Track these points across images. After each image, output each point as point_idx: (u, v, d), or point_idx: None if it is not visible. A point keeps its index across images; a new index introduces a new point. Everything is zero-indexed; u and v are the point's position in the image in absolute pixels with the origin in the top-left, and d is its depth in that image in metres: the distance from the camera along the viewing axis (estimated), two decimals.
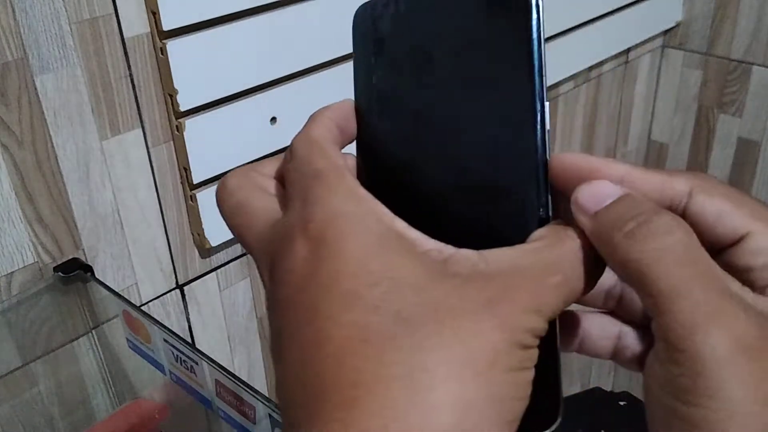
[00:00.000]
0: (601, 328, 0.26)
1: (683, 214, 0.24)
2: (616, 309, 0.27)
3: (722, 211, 0.23)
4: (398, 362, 0.20)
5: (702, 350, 0.20)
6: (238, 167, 0.28)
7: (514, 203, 0.25)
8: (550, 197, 0.25)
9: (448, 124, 0.27)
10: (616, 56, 1.19)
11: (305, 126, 0.27)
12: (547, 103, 0.25)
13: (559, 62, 1.04)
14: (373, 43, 0.29)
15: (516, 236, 0.24)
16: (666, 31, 1.27)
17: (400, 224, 0.23)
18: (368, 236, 0.22)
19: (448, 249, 0.23)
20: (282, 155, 0.28)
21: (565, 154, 0.25)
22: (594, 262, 0.23)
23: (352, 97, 0.29)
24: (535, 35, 0.25)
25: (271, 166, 0.28)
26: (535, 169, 0.25)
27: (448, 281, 0.21)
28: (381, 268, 0.22)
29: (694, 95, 1.30)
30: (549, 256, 0.22)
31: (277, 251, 0.24)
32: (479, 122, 0.26)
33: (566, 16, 1.01)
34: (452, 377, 0.20)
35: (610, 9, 1.09)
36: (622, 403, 1.10)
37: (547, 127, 0.25)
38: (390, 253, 0.22)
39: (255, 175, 0.27)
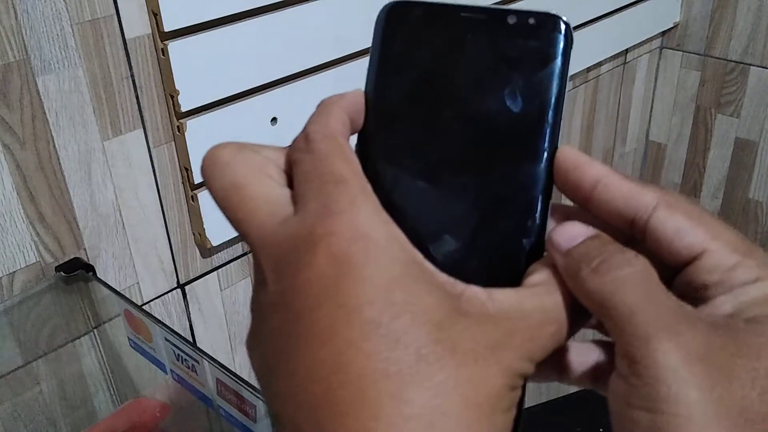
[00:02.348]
0: (579, 357, 0.27)
1: (646, 226, 0.25)
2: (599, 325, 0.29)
3: (681, 227, 0.24)
4: (418, 402, 0.21)
5: (658, 359, 0.21)
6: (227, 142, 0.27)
7: (515, 222, 0.26)
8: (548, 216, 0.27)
9: (458, 142, 0.27)
10: (614, 57, 1.19)
11: (321, 115, 0.26)
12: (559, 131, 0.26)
13: None
14: (395, 47, 0.29)
15: (514, 255, 0.26)
16: (664, 32, 1.27)
17: (419, 254, 0.23)
18: (393, 265, 0.22)
19: (459, 284, 0.23)
20: (278, 146, 0.27)
21: (560, 148, 0.27)
22: (581, 312, 0.24)
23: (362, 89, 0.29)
24: (559, 71, 0.26)
25: (271, 151, 0.26)
26: (539, 194, 0.26)
27: (462, 320, 0.22)
28: (404, 300, 0.22)
29: (692, 96, 1.30)
30: (548, 303, 0.24)
31: (290, 256, 0.23)
32: (489, 140, 0.27)
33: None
34: (465, 421, 0.21)
35: (608, 10, 1.09)
36: None
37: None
38: (413, 284, 0.22)
39: (253, 156, 0.26)
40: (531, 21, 0.27)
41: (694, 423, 0.21)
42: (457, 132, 0.27)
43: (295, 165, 0.25)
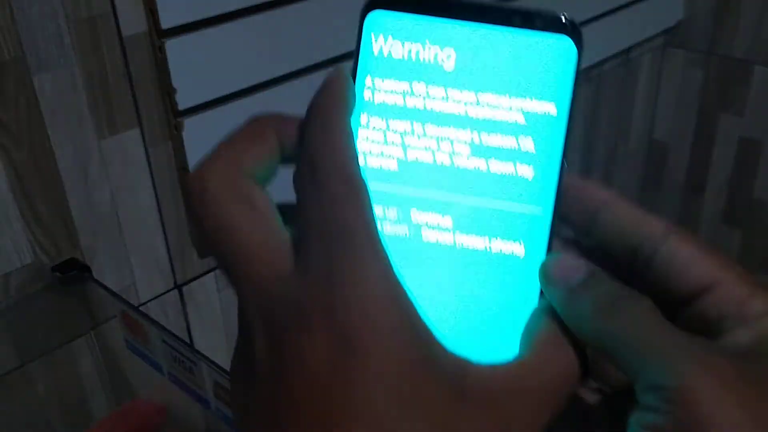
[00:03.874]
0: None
1: (654, 254, 0.25)
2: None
3: (694, 257, 0.24)
4: None
5: (697, 389, 0.21)
6: (213, 155, 0.24)
7: (514, 265, 0.25)
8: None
9: (459, 177, 0.25)
10: (617, 55, 1.18)
11: (325, 131, 0.23)
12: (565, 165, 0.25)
13: None
14: (381, 59, 0.26)
15: (511, 305, 0.25)
16: (667, 30, 1.27)
17: (428, 332, 0.22)
18: (402, 356, 0.20)
19: (463, 364, 0.22)
20: (261, 136, 0.24)
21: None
22: (580, 377, 0.24)
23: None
24: (571, 88, 0.25)
25: (254, 157, 0.24)
26: (546, 233, 0.25)
27: (468, 406, 0.21)
28: (412, 395, 0.20)
29: (696, 94, 1.29)
30: (550, 375, 0.23)
31: (285, 326, 0.21)
32: (495, 173, 0.25)
33: None
34: None
35: (610, 8, 1.08)
36: None
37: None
38: (421, 378, 0.21)
39: (239, 179, 0.23)
40: (538, 24, 0.25)
41: None
42: (458, 166, 0.25)
43: (299, 197, 0.23)
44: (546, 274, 0.25)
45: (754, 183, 1.27)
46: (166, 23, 0.61)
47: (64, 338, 0.65)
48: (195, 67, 0.64)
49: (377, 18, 0.25)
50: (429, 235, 0.25)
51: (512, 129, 0.25)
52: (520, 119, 0.25)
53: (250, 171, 0.24)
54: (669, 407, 0.21)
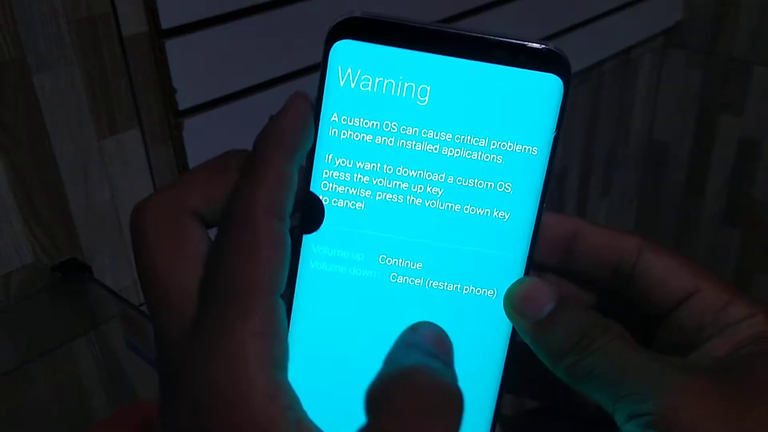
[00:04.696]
0: None
1: (632, 270, 0.25)
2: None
3: (670, 267, 0.25)
4: None
5: (677, 413, 0.21)
6: (162, 188, 0.22)
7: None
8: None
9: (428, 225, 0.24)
10: (616, 55, 1.18)
11: (258, 170, 0.21)
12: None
13: None
14: (348, 92, 0.24)
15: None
16: (667, 30, 1.27)
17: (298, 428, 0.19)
18: None
19: None
20: (223, 173, 0.23)
21: None
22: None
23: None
24: (554, 129, 0.24)
25: (205, 197, 0.22)
26: (520, 274, 0.25)
27: None
28: None
29: (696, 94, 1.29)
30: None
31: (171, 381, 0.20)
32: (469, 226, 0.24)
33: (566, 16, 1.01)
34: None
35: (610, 8, 1.08)
36: None
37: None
38: None
39: (176, 218, 0.22)
40: (522, 58, 0.23)
41: None
42: (431, 207, 0.24)
43: (216, 236, 0.22)
44: (512, 304, 0.24)
45: (753, 183, 1.27)
46: (166, 23, 0.61)
47: (64, 338, 0.65)
48: (195, 67, 0.64)
49: (345, 48, 0.23)
50: (398, 278, 0.24)
51: (490, 170, 0.24)
52: (499, 159, 0.24)
53: (196, 210, 0.22)
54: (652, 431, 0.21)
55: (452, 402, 0.20)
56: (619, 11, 1.10)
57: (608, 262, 0.25)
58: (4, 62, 0.55)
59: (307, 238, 0.24)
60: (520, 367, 0.25)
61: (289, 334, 0.23)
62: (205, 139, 0.67)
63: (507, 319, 0.24)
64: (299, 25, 0.70)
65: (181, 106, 0.64)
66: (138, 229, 0.22)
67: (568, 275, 0.26)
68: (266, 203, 0.21)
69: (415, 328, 0.23)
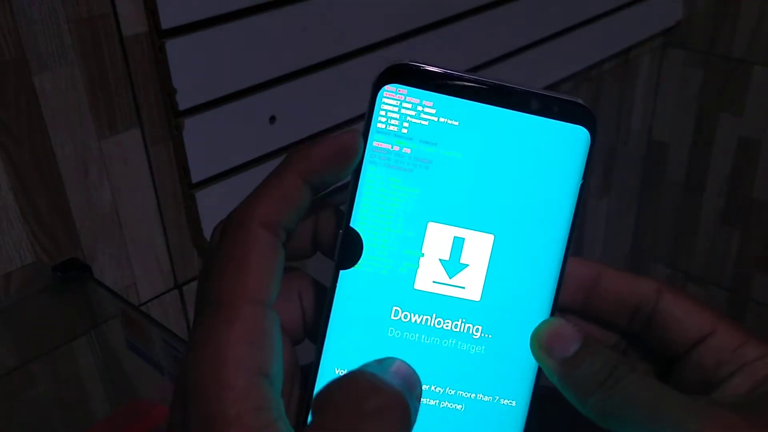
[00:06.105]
0: None
1: (653, 311, 0.26)
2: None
3: (690, 309, 0.26)
4: None
5: None
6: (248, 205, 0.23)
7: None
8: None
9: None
10: (616, 55, 1.18)
11: (266, 187, 0.23)
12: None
13: (559, 62, 1.03)
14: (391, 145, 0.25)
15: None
16: (666, 30, 1.27)
17: None
18: None
19: None
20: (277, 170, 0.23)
21: None
22: None
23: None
24: (582, 178, 0.25)
25: (264, 203, 0.23)
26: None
27: None
28: None
29: (695, 94, 1.29)
30: None
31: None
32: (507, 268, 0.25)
33: (566, 16, 1.01)
34: None
35: (610, 8, 1.08)
36: None
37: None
38: None
39: (251, 227, 0.23)
40: (555, 110, 0.25)
41: None
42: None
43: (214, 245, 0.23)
44: (539, 343, 0.25)
45: (753, 183, 1.27)
46: (166, 23, 0.61)
47: (64, 338, 0.65)
48: (195, 67, 0.64)
49: (391, 91, 0.25)
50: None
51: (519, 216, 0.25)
52: (528, 206, 0.25)
53: (262, 220, 0.23)
54: None
55: (389, 404, 0.21)
56: (618, 11, 1.10)
57: (628, 305, 0.26)
58: (4, 62, 0.55)
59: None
60: (546, 413, 0.25)
61: (319, 371, 0.24)
62: (205, 139, 0.67)
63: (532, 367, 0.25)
64: (299, 26, 0.70)
65: (181, 106, 0.64)
66: (210, 238, 0.23)
67: (588, 318, 0.27)
68: (263, 216, 0.22)
69: (380, 361, 0.24)
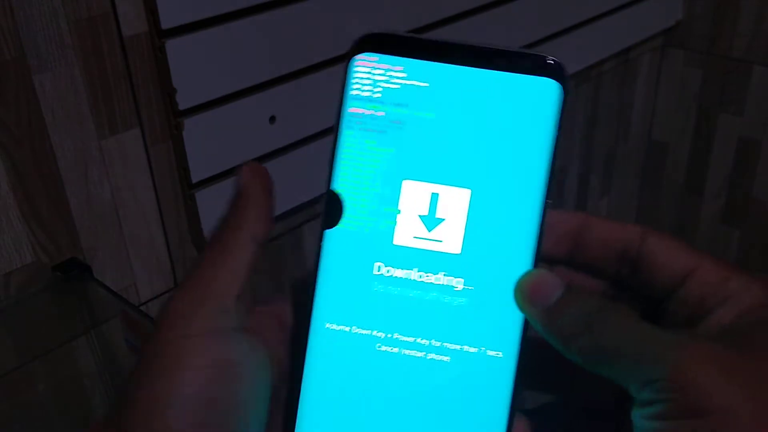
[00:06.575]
0: None
1: (637, 255, 0.27)
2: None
3: (673, 248, 0.27)
4: None
5: (695, 379, 0.22)
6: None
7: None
8: None
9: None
10: (616, 55, 1.18)
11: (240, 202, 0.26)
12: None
13: None
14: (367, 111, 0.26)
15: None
16: (666, 30, 1.27)
17: None
18: None
19: None
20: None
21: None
22: None
23: None
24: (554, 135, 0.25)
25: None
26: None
27: None
28: None
29: (695, 94, 1.29)
30: None
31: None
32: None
33: (566, 16, 1.01)
34: None
35: (610, 8, 1.08)
36: None
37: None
38: None
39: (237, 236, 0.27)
40: (523, 65, 0.25)
41: (742, 421, 0.22)
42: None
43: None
44: (522, 293, 0.25)
45: (753, 183, 1.27)
46: (166, 23, 0.61)
47: (64, 338, 0.65)
48: (195, 67, 0.64)
49: (363, 60, 0.26)
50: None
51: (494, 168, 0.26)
52: (502, 158, 0.26)
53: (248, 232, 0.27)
54: (666, 395, 0.22)
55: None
56: (618, 11, 1.10)
57: (614, 251, 0.27)
58: (4, 62, 0.55)
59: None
60: (534, 360, 0.26)
61: (310, 327, 0.26)
62: (205, 139, 0.67)
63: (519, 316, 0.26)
64: (299, 25, 0.70)
65: (181, 106, 0.64)
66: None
67: (577, 267, 0.28)
68: (250, 227, 0.26)
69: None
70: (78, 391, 0.68)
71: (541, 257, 0.26)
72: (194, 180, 0.68)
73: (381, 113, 0.26)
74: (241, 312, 0.25)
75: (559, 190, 1.21)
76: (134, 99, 0.63)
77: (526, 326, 0.26)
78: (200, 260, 0.25)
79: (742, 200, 1.30)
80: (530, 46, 0.97)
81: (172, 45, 0.62)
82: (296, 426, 0.26)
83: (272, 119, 0.71)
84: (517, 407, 0.26)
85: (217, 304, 0.24)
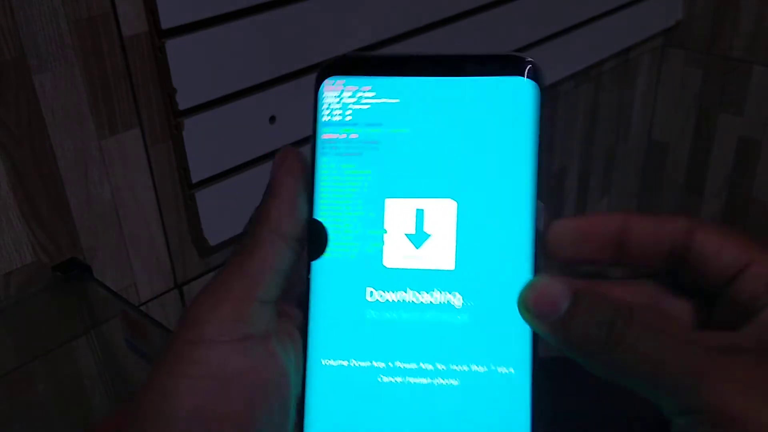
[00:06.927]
0: None
1: (685, 251, 0.25)
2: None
3: (723, 243, 0.25)
4: None
5: (717, 401, 0.21)
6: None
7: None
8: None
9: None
10: (616, 55, 1.18)
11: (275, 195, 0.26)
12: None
13: (559, 62, 1.03)
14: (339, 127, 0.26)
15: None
16: (666, 30, 1.27)
17: None
18: None
19: None
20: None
21: (558, 223, 0.25)
22: None
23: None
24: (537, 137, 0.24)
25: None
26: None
27: None
28: None
29: (695, 94, 1.29)
30: None
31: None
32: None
33: (566, 16, 1.01)
34: None
35: (610, 8, 1.08)
36: None
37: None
38: None
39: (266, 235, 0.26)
40: (493, 67, 0.24)
41: None
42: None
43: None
44: (526, 306, 0.23)
45: (753, 183, 1.27)
46: (166, 23, 0.61)
47: (64, 338, 0.65)
48: (195, 67, 0.64)
49: (333, 83, 0.26)
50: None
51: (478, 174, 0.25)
52: (484, 165, 0.25)
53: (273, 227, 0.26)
54: (704, 427, 0.21)
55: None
56: (618, 11, 1.10)
57: (660, 250, 0.25)
58: (4, 62, 0.55)
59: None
60: (558, 379, 0.25)
61: (307, 366, 0.25)
62: (205, 139, 0.67)
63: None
64: (299, 25, 0.70)
65: (181, 106, 0.64)
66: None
67: (624, 267, 0.26)
68: (273, 224, 0.25)
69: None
70: (78, 391, 0.67)
71: (542, 262, 0.24)
72: (194, 180, 0.68)
73: (354, 135, 0.25)
74: (263, 316, 0.24)
75: (559, 190, 1.21)
76: (134, 99, 0.63)
77: (536, 337, 0.24)
78: (228, 259, 0.24)
79: (742, 200, 1.30)
80: (530, 46, 0.97)
81: (172, 45, 0.62)
82: None
83: (272, 119, 0.71)
84: (539, 428, 0.24)
85: (231, 309, 0.23)
